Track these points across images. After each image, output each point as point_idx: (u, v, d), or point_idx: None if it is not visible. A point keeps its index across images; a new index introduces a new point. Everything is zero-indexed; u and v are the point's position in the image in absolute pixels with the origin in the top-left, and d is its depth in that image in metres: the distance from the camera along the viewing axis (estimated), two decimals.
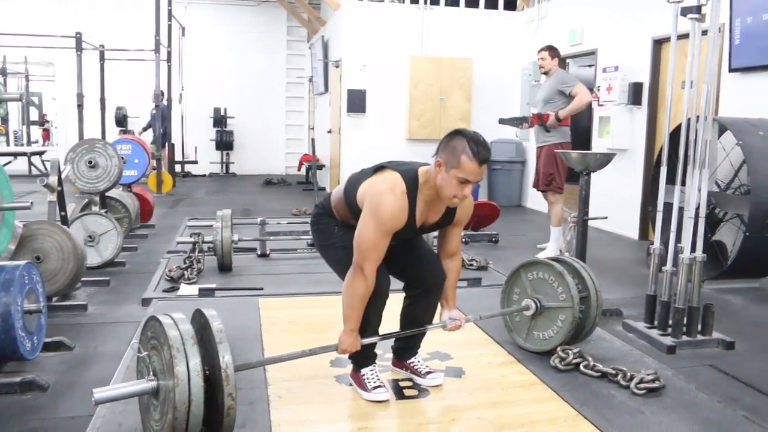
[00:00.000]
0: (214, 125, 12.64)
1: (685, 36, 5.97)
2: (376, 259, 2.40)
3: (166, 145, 10.50)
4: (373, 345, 2.66)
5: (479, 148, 2.29)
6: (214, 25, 12.70)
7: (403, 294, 2.74)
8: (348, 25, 9.12)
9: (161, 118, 9.93)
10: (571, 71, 8.61)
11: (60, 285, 3.85)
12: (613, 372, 2.84)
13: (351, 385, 2.70)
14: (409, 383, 2.74)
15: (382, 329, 2.65)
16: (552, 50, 5.68)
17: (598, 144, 7.08)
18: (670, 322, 3.52)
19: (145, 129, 10.88)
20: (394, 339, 2.82)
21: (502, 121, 6.14)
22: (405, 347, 2.80)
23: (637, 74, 6.57)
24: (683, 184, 3.64)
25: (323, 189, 10.82)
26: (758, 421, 2.49)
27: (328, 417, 2.46)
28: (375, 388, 2.59)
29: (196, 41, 12.43)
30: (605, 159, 4.10)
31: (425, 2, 9.13)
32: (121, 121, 11.73)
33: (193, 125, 12.52)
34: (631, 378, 2.76)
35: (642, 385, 2.70)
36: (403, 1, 9.47)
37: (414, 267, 2.69)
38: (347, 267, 2.50)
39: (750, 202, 4.31)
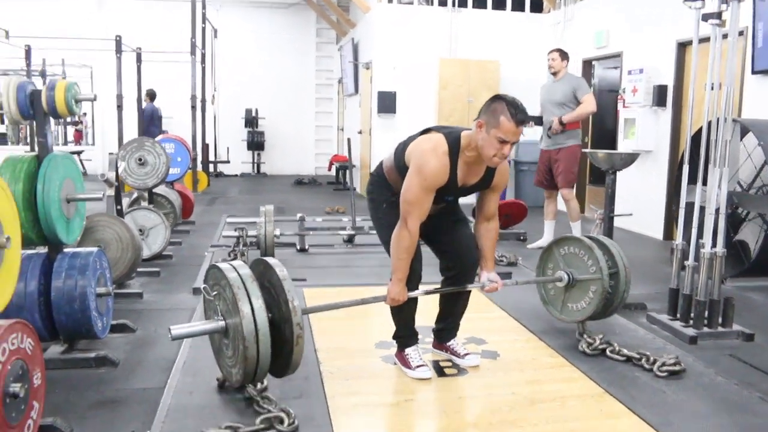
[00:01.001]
0: (246, 126, 13.00)
1: (708, 39, 6.17)
2: (419, 215, 2.63)
3: None
4: (413, 328, 2.91)
5: (517, 110, 2.52)
6: (245, 27, 13.05)
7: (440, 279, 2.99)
8: (378, 27, 9.37)
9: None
10: (597, 73, 8.79)
11: (119, 273, 4.15)
12: (638, 356, 3.06)
13: (395, 364, 2.95)
14: (449, 363, 2.98)
15: (421, 320, 2.92)
16: (562, 53, 5.90)
17: (624, 145, 7.24)
18: (692, 314, 3.72)
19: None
20: (435, 323, 3.07)
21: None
22: (445, 329, 3.04)
23: (662, 77, 6.73)
24: (705, 183, 3.84)
25: (355, 189, 11.11)
26: None
27: (377, 390, 2.72)
28: (418, 366, 2.83)
29: (228, 43, 12.78)
30: (630, 158, 4.30)
31: (453, 4, 9.36)
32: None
33: (225, 126, 12.88)
34: (654, 362, 2.98)
35: (664, 368, 2.92)
36: (432, 4, 9.71)
37: (453, 248, 2.92)
38: (388, 243, 2.78)
39: None
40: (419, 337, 2.98)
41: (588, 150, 4.86)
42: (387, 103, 9.29)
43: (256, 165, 13.19)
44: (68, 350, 3.18)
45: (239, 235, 5.18)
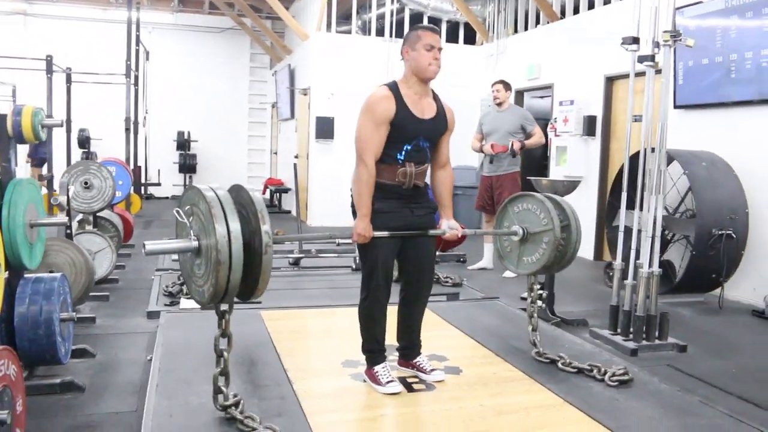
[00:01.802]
0: (178, 148, 12.83)
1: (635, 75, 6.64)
2: (372, 151, 2.81)
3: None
4: (383, 342, 3.02)
5: (428, 25, 2.98)
6: (178, 50, 12.95)
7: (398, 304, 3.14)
8: (316, 54, 9.53)
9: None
10: (526, 103, 9.24)
11: (73, 298, 4.07)
12: (588, 368, 3.29)
13: (365, 381, 3.05)
14: (416, 379, 3.11)
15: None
16: (506, 84, 6.25)
17: (555, 172, 7.66)
18: (632, 328, 4.01)
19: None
20: (398, 342, 3.19)
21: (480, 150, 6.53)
22: (408, 346, 3.17)
23: (591, 108, 7.19)
24: (638, 208, 4.16)
25: (288, 212, 11.15)
26: (711, 404, 2.97)
27: (352, 407, 2.82)
28: (388, 382, 2.95)
29: (161, 66, 12.64)
30: (572, 185, 4.61)
31: (390, 35, 9.64)
32: (84, 142, 11.74)
33: (156, 148, 12.67)
34: (605, 372, 3.21)
35: (614, 378, 3.15)
36: (369, 34, 9.97)
37: (413, 273, 3.07)
38: (362, 261, 2.97)
39: (696, 224, 4.89)
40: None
41: (533, 178, 5.15)
42: (325, 128, 9.42)
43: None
44: (29, 377, 3.12)
45: None
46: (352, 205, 2.97)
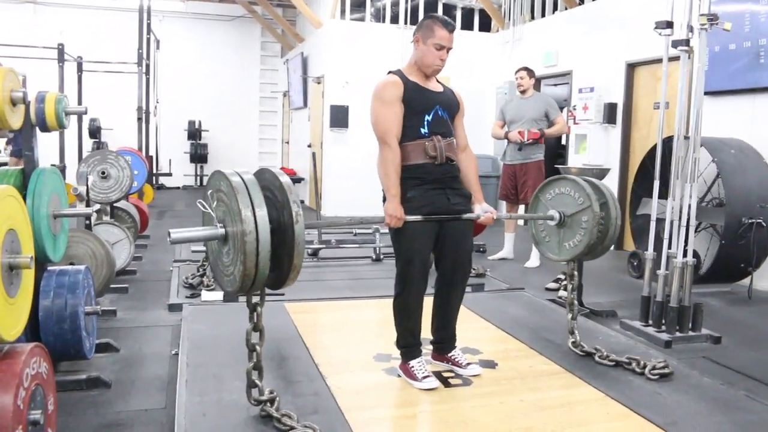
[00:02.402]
0: (189, 138, 12.75)
1: (656, 61, 6.50)
2: (392, 130, 2.80)
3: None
4: (418, 336, 2.94)
5: (446, 22, 2.89)
6: (189, 38, 12.84)
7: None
8: (330, 42, 9.42)
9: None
10: (543, 90, 9.11)
11: (95, 291, 4.00)
12: (627, 361, 3.20)
13: (399, 376, 2.98)
14: (452, 374, 3.03)
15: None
16: (529, 71, 6.11)
17: (574, 160, 7.54)
18: (665, 320, 3.91)
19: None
20: (432, 335, 3.11)
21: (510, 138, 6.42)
22: (445, 340, 3.09)
23: (612, 95, 7.06)
24: (671, 197, 4.06)
25: (302, 202, 11.07)
26: (758, 399, 2.88)
27: (390, 403, 2.75)
28: (425, 377, 2.87)
29: (171, 55, 12.51)
30: (601, 173, 4.50)
31: (405, 22, 9.52)
32: (95, 132, 11.70)
33: (167, 138, 12.59)
34: (644, 366, 3.12)
35: (655, 371, 3.07)
36: (384, 21, 9.84)
37: (449, 261, 2.97)
38: (395, 249, 2.90)
39: (725, 213, 4.78)
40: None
41: (561, 166, 5.04)
42: (339, 117, 9.31)
43: (199, 177, 12.94)
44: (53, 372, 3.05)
45: None
46: (384, 198, 2.88)
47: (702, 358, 3.62)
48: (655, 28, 3.96)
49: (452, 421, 2.55)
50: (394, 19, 9.75)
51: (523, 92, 6.09)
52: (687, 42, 3.82)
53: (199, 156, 12.74)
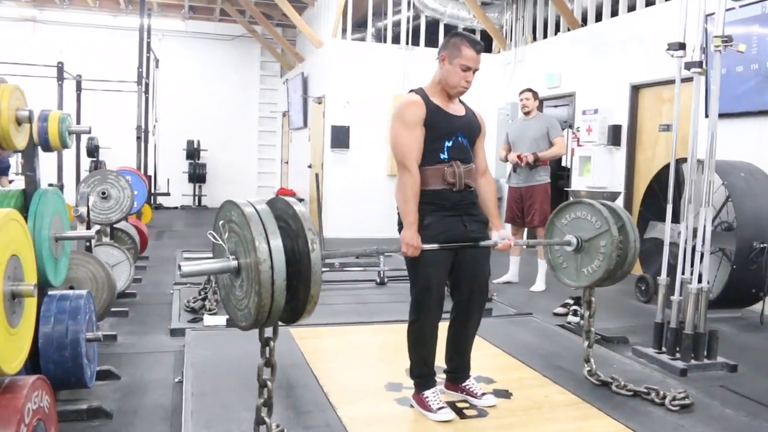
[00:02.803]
0: (187, 157, 12.68)
1: (661, 83, 6.48)
2: (413, 154, 2.71)
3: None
4: (432, 365, 2.84)
5: (475, 42, 2.81)
6: (188, 58, 12.83)
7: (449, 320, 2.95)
8: (331, 62, 9.39)
9: None
10: (545, 112, 9.09)
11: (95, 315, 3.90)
12: (646, 391, 3.11)
13: (412, 407, 2.87)
14: (465, 404, 2.93)
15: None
16: (534, 93, 6.07)
17: (578, 182, 7.48)
18: (679, 347, 3.82)
19: None
20: (446, 364, 3.01)
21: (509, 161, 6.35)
22: (459, 370, 2.99)
23: (616, 117, 7.03)
24: (684, 221, 3.99)
25: None
26: None
27: None
28: (440, 408, 2.77)
29: (170, 74, 12.51)
30: (612, 196, 4.44)
31: (407, 42, 9.51)
32: (93, 151, 11.60)
33: (165, 157, 12.51)
34: (664, 396, 3.03)
35: (676, 402, 2.97)
36: (385, 41, 9.83)
37: (465, 287, 2.88)
38: (411, 278, 2.80)
39: (736, 237, 4.71)
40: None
41: (570, 189, 4.98)
42: (341, 137, 9.26)
43: (197, 197, 12.85)
44: None
45: None
46: (400, 223, 2.80)
47: (719, 387, 3.52)
48: (668, 49, 3.92)
49: None
50: (395, 40, 9.74)
51: (527, 113, 6.04)
52: (700, 64, 3.77)
53: (197, 176, 12.67)
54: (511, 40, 9.37)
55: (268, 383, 2.40)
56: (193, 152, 12.63)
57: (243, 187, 13.39)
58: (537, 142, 5.92)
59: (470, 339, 2.94)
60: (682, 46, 3.89)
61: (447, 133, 2.78)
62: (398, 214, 2.82)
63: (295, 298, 2.18)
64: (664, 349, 3.93)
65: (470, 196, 2.85)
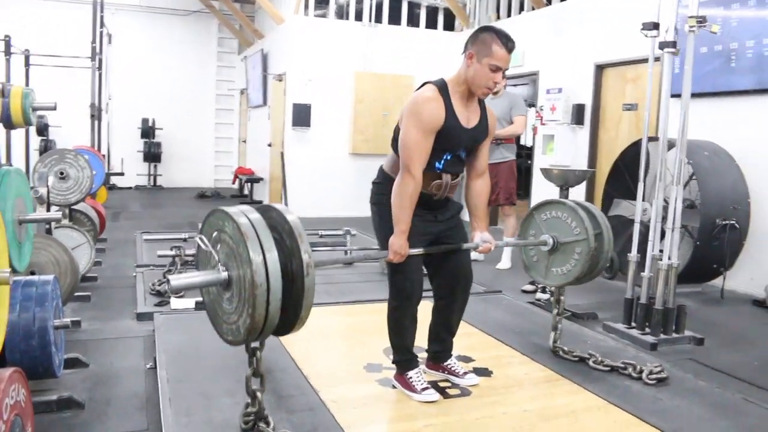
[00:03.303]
0: (142, 136, 12.32)
1: (625, 63, 6.55)
2: (421, 160, 2.57)
3: None
4: (412, 348, 2.82)
5: (507, 38, 2.60)
6: (142, 33, 12.40)
7: (432, 300, 2.93)
8: (293, 39, 9.20)
9: None
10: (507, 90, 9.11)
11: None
12: (623, 366, 3.16)
13: (395, 387, 2.85)
14: (448, 384, 2.92)
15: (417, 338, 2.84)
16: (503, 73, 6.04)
17: (541, 161, 7.54)
18: (649, 322, 3.89)
19: None
20: (428, 345, 3.00)
21: None
22: (441, 350, 2.98)
23: (580, 96, 7.08)
24: (657, 199, 4.05)
25: (260, 202, 10.82)
26: (756, 402, 2.87)
27: (390, 417, 2.61)
28: (424, 389, 2.75)
29: (123, 50, 12.09)
30: (583, 175, 4.47)
31: (369, 20, 9.39)
32: (42, 130, 11.19)
33: (119, 136, 12.13)
34: (641, 371, 3.08)
35: (653, 376, 3.03)
36: (347, 18, 9.68)
37: (449, 272, 2.86)
38: (389, 265, 2.70)
39: (700, 214, 4.81)
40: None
41: (543, 167, 4.99)
42: (302, 115, 9.12)
43: (152, 177, 12.52)
44: None
45: (176, 254, 4.85)
46: (380, 225, 2.76)
47: (689, 360, 3.61)
48: (642, 29, 3.94)
49: None
50: (358, 16, 9.61)
51: (495, 92, 6.01)
52: (674, 44, 3.80)
53: (152, 155, 12.33)
54: (474, 18, 9.34)
55: (258, 394, 2.32)
56: (147, 131, 12.27)
57: (199, 165, 13.13)
58: (501, 122, 5.93)
59: (456, 324, 2.94)
60: (656, 25, 3.91)
61: (452, 148, 2.67)
62: (377, 214, 2.77)
63: (284, 317, 2.11)
64: (633, 324, 4.01)
65: (446, 202, 2.81)
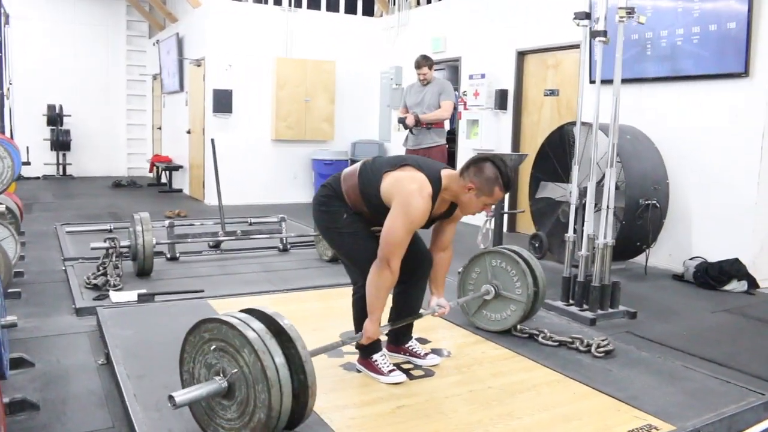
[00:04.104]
0: (49, 124, 11.64)
1: (546, 50, 6.81)
2: (401, 255, 2.61)
3: None
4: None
5: (509, 180, 2.64)
6: (45, 15, 11.67)
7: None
8: (211, 23, 8.96)
9: None
10: None
11: None
12: (570, 340, 3.34)
13: (359, 371, 2.89)
14: (410, 365, 2.99)
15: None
16: (430, 64, 6.16)
17: (465, 145, 7.73)
18: (588, 299, 4.11)
19: None
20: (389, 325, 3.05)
21: (400, 120, 6.43)
22: (403, 332, 3.04)
23: (503, 82, 7.30)
24: (592, 181, 4.26)
25: (180, 191, 10.51)
26: (694, 368, 3.11)
27: (362, 400, 2.65)
28: (391, 371, 2.81)
29: (24, 32, 11.33)
30: (519, 159, 4.64)
31: (289, 4, 9.26)
32: None
33: (23, 123, 11.37)
34: (588, 344, 3.26)
35: (601, 349, 3.22)
36: (266, 2, 9.51)
37: (410, 256, 2.91)
38: (352, 252, 2.79)
39: (625, 195, 5.10)
40: None
41: (480, 152, 5.13)
42: (223, 101, 8.90)
43: (61, 166, 11.87)
44: None
45: (110, 246, 4.66)
46: (357, 311, 2.87)
47: (626, 332, 3.84)
48: (574, 18, 4.12)
49: (433, 414, 2.51)
50: (277, 1, 9.46)
51: (425, 83, 6.15)
52: (605, 33, 4.00)
53: (61, 143, 11.67)
54: (394, 4, 9.39)
55: None
56: (55, 118, 11.59)
57: (112, 154, 12.57)
58: (430, 108, 6.07)
59: (419, 301, 2.99)
60: (587, 15, 4.10)
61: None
62: (320, 204, 2.84)
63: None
64: (572, 301, 4.22)
65: None
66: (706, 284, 5.03)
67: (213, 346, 2.18)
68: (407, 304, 2.97)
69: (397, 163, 2.72)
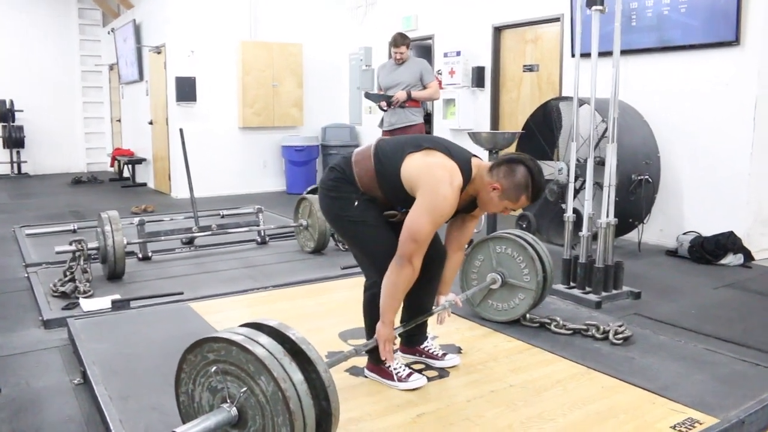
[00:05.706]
0: (0, 120, 11.02)
1: (523, 24, 6.61)
2: (423, 252, 2.35)
3: None
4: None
5: (540, 190, 2.40)
6: None
7: None
8: (171, 8, 8.51)
9: None
10: None
11: None
12: (585, 327, 3.14)
13: (366, 377, 2.65)
14: (422, 366, 2.76)
15: None
16: (407, 43, 5.87)
17: (443, 125, 7.50)
18: (591, 280, 3.92)
19: None
20: (401, 325, 2.80)
21: (368, 96, 6.15)
22: (417, 333, 2.80)
23: (479, 59, 7.07)
24: (590, 159, 4.07)
25: (144, 185, 10.07)
26: (718, 351, 2.94)
27: (376, 410, 2.39)
28: (409, 375, 2.56)
29: None
30: (512, 138, 4.41)
31: None
32: None
33: None
34: (605, 331, 3.07)
35: (619, 336, 3.03)
36: None
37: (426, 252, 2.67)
38: (366, 245, 2.52)
39: (618, 171, 4.89)
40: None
41: (471, 131, 4.89)
42: (186, 90, 8.48)
43: (16, 165, 11.29)
44: None
45: (77, 248, 4.31)
46: (370, 316, 2.56)
47: (634, 314, 3.67)
48: None
49: (457, 422, 2.28)
50: None
51: (400, 62, 5.86)
52: (602, 2, 3.79)
53: (14, 140, 11.06)
54: None
55: None
56: (6, 114, 10.97)
57: (69, 149, 12.01)
58: (411, 87, 5.79)
59: (433, 299, 2.74)
60: None
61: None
62: (328, 189, 2.54)
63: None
64: (573, 284, 4.03)
65: None
66: (702, 259, 4.91)
67: (219, 369, 1.89)
68: (420, 302, 2.71)
69: (422, 144, 2.44)
